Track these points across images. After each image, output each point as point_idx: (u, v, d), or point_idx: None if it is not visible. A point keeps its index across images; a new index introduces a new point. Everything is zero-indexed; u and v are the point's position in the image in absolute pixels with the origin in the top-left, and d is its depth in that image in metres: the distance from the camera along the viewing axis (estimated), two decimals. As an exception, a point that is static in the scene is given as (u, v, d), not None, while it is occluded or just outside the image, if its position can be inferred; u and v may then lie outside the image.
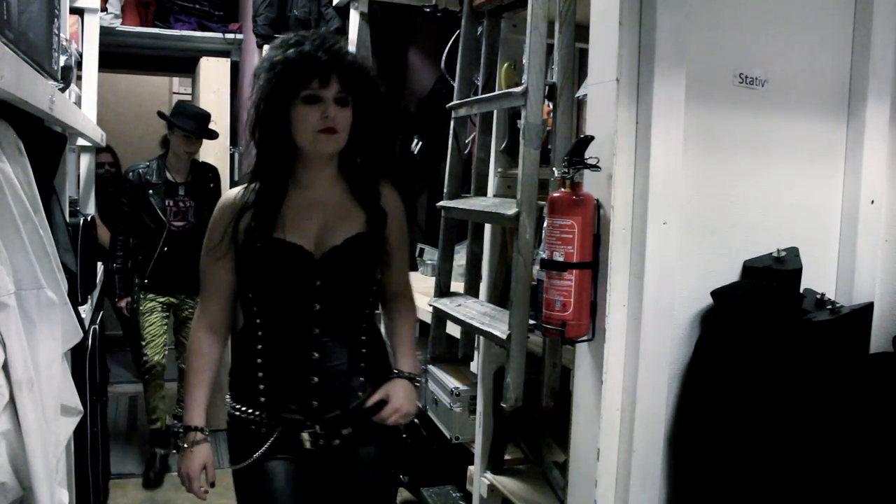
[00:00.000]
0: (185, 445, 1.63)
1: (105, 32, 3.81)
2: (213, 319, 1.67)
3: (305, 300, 1.59)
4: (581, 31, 1.64)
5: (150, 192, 3.61)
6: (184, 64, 4.60)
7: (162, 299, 3.69)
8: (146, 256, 3.64)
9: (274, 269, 1.58)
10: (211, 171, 3.84)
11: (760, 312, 1.50)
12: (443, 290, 2.15)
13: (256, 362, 1.61)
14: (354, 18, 3.60)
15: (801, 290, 1.60)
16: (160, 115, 3.74)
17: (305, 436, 1.61)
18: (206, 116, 3.77)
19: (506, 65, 2.04)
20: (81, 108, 3.29)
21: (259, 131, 1.58)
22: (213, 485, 1.65)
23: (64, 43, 1.97)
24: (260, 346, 1.61)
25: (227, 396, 1.69)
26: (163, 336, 3.70)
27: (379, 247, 1.66)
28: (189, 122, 3.63)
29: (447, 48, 2.93)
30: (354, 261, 1.61)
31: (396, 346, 1.78)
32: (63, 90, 2.09)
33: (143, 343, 3.67)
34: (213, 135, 3.78)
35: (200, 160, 3.93)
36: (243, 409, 1.63)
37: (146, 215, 3.61)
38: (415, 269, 3.51)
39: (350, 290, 1.64)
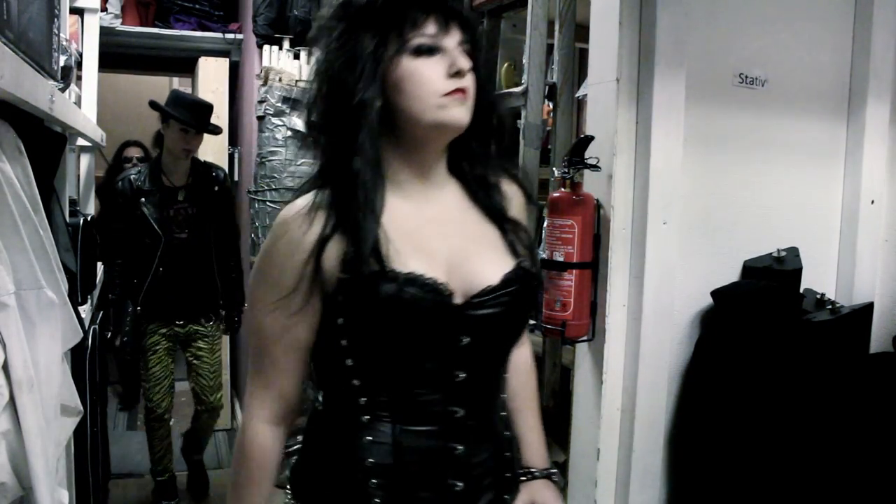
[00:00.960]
0: None
1: (105, 32, 3.80)
2: (280, 405, 1.12)
3: (444, 366, 1.03)
4: (581, 31, 1.64)
5: (143, 200, 3.02)
6: (184, 64, 4.59)
7: (165, 330, 3.11)
8: (141, 278, 3.04)
9: (399, 320, 1.00)
10: (215, 172, 3.20)
11: (760, 312, 1.50)
12: (443, 290, 2.14)
13: (364, 464, 1.04)
14: (354, 18, 3.60)
15: (801, 290, 1.60)
16: (152, 104, 3.06)
17: None
18: (206, 107, 3.16)
19: (506, 65, 2.04)
20: (81, 108, 3.29)
21: (334, 107, 1.03)
22: None
23: (64, 43, 1.97)
24: (369, 439, 1.04)
25: None
26: (169, 377, 3.18)
27: (538, 284, 1.17)
28: (186, 114, 3.00)
29: (447, 48, 2.92)
30: (515, 307, 1.06)
31: (525, 426, 1.23)
32: (63, 90, 2.09)
33: (147, 386, 3.15)
34: (215, 130, 3.19)
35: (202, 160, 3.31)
36: None
37: (140, 229, 3.02)
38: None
39: (504, 351, 1.11)
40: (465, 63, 1.01)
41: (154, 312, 3.07)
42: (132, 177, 3.08)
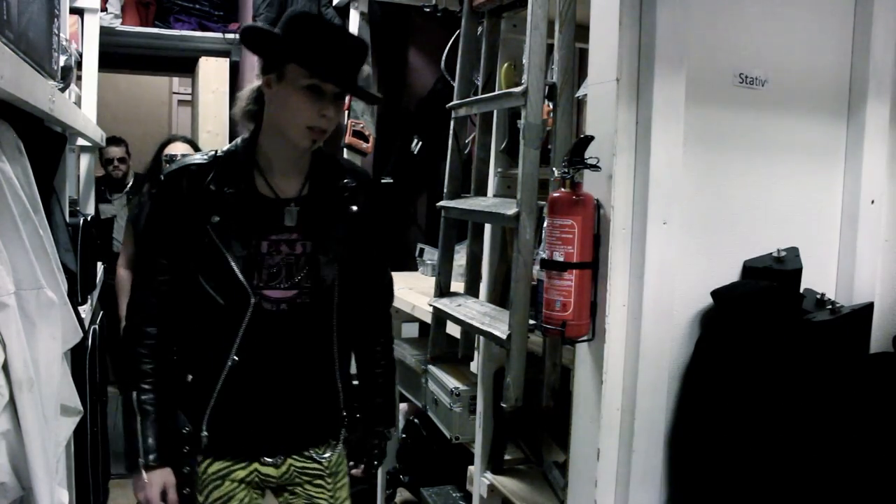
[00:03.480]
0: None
1: (105, 32, 3.80)
2: None
3: None
4: (581, 31, 1.64)
5: (217, 219, 1.57)
6: (184, 64, 4.59)
7: (245, 473, 1.67)
8: (204, 379, 1.63)
9: None
10: (356, 178, 1.74)
11: (760, 312, 1.50)
12: (443, 290, 2.14)
13: None
14: (354, 18, 3.60)
15: (801, 290, 1.60)
16: (245, 31, 1.66)
17: None
18: (359, 48, 1.59)
19: (506, 65, 2.04)
20: (81, 108, 3.29)
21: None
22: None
23: (64, 43, 1.97)
24: None
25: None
26: None
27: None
28: (321, 57, 1.49)
29: (447, 48, 2.93)
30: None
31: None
32: (63, 90, 2.09)
33: None
34: (371, 98, 1.89)
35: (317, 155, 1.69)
36: None
37: (206, 275, 1.60)
38: (415, 269, 3.51)
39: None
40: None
41: (232, 442, 1.67)
42: (193, 166, 1.61)
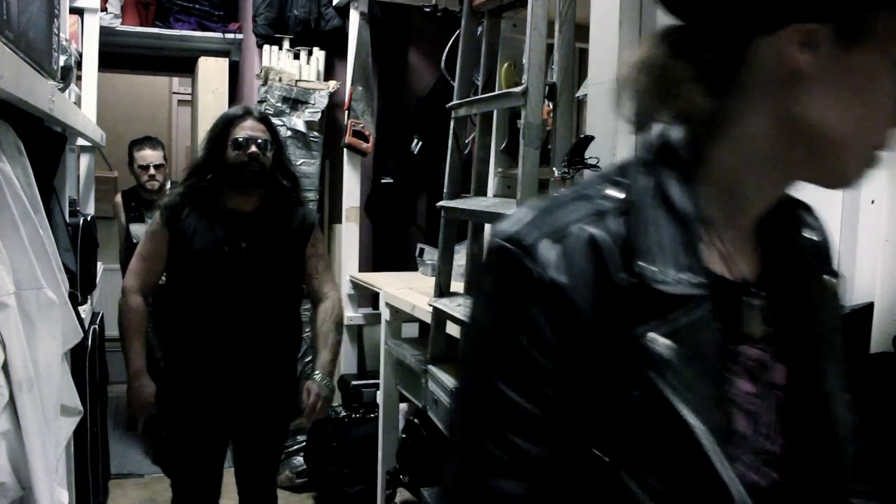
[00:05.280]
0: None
1: (105, 32, 3.80)
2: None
3: None
4: (581, 31, 1.64)
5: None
6: (184, 64, 4.59)
7: None
8: None
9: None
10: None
11: (760, 312, 1.49)
12: (443, 290, 2.15)
13: None
14: (354, 18, 3.60)
15: (801, 290, 1.60)
16: None
17: None
18: None
19: (506, 65, 2.04)
20: (81, 108, 3.29)
21: None
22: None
23: (64, 43, 1.97)
24: None
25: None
26: None
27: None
28: None
29: (447, 48, 2.93)
30: None
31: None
32: (63, 90, 2.09)
33: None
34: None
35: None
36: None
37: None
38: (415, 269, 3.52)
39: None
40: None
41: None
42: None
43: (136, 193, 3.74)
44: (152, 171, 3.65)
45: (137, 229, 3.42)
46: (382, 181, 3.92)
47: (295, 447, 3.50)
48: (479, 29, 2.11)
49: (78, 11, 3.47)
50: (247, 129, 2.17)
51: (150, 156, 3.67)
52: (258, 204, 2.21)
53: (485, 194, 2.10)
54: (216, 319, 2.16)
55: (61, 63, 1.77)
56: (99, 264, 3.08)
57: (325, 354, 2.24)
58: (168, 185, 3.65)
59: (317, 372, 2.23)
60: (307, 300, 2.35)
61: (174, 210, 2.19)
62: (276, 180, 2.23)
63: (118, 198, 3.83)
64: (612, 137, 1.45)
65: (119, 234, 3.83)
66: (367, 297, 3.64)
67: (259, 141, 2.17)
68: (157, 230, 2.21)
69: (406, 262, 3.75)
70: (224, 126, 2.20)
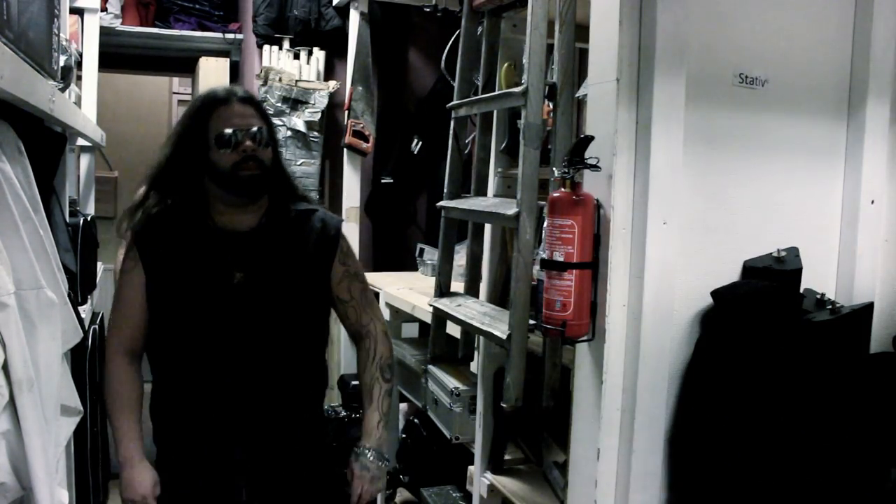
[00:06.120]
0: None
1: (105, 32, 3.80)
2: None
3: None
4: (581, 31, 1.64)
5: None
6: (184, 64, 4.59)
7: None
8: None
9: None
10: None
11: (760, 312, 1.50)
12: (443, 290, 2.15)
13: None
14: (354, 18, 3.60)
15: (801, 290, 1.60)
16: None
17: None
18: None
19: (506, 65, 2.04)
20: (81, 108, 3.29)
21: None
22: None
23: (64, 43, 1.97)
24: None
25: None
26: None
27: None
28: None
29: (447, 48, 2.93)
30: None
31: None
32: (63, 90, 2.09)
33: None
34: None
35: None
36: None
37: None
38: (415, 269, 3.51)
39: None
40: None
41: None
42: None
43: None
44: None
45: None
46: (382, 181, 3.92)
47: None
48: (479, 29, 2.10)
49: (78, 11, 3.47)
50: (234, 116, 1.61)
51: None
52: (260, 218, 1.68)
53: (485, 194, 2.10)
54: (208, 385, 1.64)
55: (61, 63, 1.77)
56: (99, 264, 3.08)
57: (371, 416, 1.71)
58: None
59: (363, 446, 1.69)
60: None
61: (147, 238, 1.66)
62: (281, 181, 1.71)
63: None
64: (612, 137, 1.45)
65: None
66: (367, 297, 3.63)
67: (252, 131, 1.60)
68: (130, 269, 1.67)
69: (406, 262, 3.75)
70: (201, 116, 1.63)
